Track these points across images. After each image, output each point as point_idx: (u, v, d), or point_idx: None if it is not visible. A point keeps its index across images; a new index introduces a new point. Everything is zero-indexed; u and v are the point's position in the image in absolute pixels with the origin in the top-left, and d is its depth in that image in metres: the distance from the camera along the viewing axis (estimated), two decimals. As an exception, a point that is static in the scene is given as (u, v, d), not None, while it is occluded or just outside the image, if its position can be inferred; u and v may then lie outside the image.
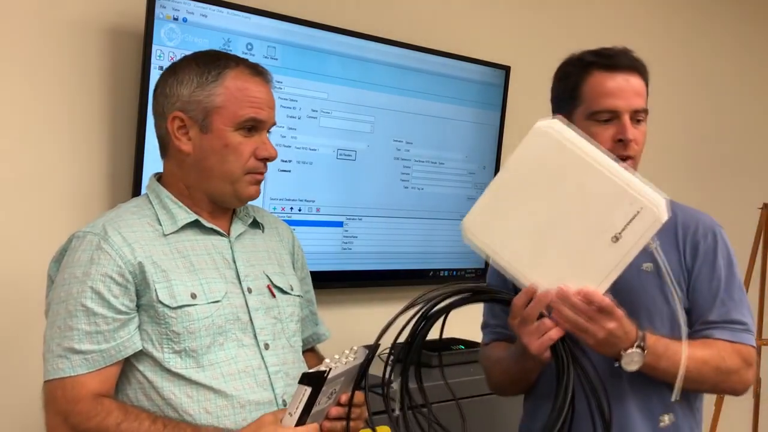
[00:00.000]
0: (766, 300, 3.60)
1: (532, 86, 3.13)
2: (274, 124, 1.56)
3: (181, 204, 1.52)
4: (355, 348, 1.40)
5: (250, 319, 1.52)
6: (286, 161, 2.42)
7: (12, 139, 2.05)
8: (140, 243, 1.45)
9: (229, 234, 1.57)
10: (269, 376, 1.50)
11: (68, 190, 2.13)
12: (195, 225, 1.52)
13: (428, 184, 2.80)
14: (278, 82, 2.37)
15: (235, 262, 1.54)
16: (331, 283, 2.56)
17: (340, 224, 2.59)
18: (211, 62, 1.51)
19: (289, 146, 2.43)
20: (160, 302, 1.43)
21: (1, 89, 2.03)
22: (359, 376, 1.44)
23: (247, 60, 1.57)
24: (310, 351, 1.75)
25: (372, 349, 1.42)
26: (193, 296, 1.45)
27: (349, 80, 2.55)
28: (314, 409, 1.34)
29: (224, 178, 1.50)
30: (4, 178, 2.04)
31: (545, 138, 1.37)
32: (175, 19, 2.16)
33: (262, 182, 1.56)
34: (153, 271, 1.44)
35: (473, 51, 2.88)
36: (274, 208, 2.40)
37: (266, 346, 1.52)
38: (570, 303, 1.39)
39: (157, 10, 2.12)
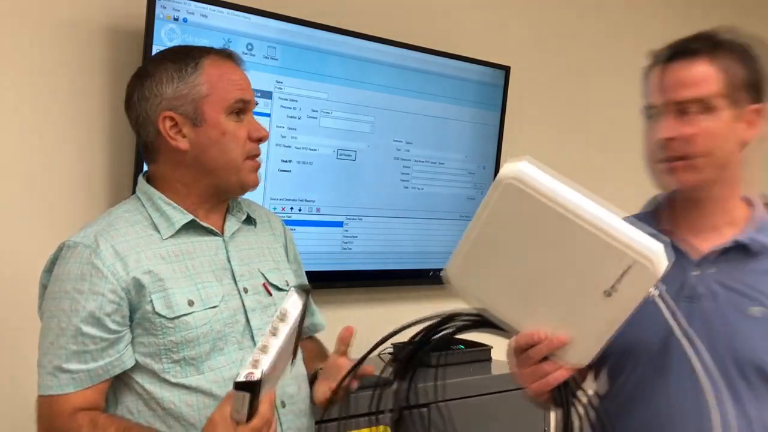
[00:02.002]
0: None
1: (532, 86, 3.15)
2: (256, 104, 1.57)
3: (175, 205, 1.49)
4: (284, 308, 1.31)
5: (247, 320, 1.50)
6: (286, 161, 2.42)
7: (12, 139, 2.05)
8: (133, 254, 1.42)
9: (222, 232, 1.54)
10: None
11: (68, 191, 2.13)
12: (190, 225, 1.50)
13: (428, 184, 2.80)
14: (278, 82, 2.38)
15: (230, 262, 1.52)
16: (331, 283, 2.56)
17: (340, 224, 2.60)
18: (185, 55, 1.50)
19: (289, 146, 2.43)
20: (157, 314, 1.40)
21: (0, 89, 2.03)
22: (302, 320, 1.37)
23: (213, 47, 1.56)
24: (308, 339, 1.74)
25: (306, 290, 1.36)
26: (191, 303, 1.43)
27: (349, 80, 2.55)
28: (271, 363, 1.27)
29: (228, 168, 1.49)
30: (4, 178, 2.04)
31: (512, 190, 1.19)
32: (176, 19, 2.17)
33: (262, 182, 1.55)
34: (149, 282, 1.41)
35: (473, 51, 2.88)
36: (275, 208, 2.40)
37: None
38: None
39: (158, 11, 2.12)
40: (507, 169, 1.19)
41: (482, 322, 1.32)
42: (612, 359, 1.43)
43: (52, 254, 1.47)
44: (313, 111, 2.48)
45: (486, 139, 2.94)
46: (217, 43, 2.20)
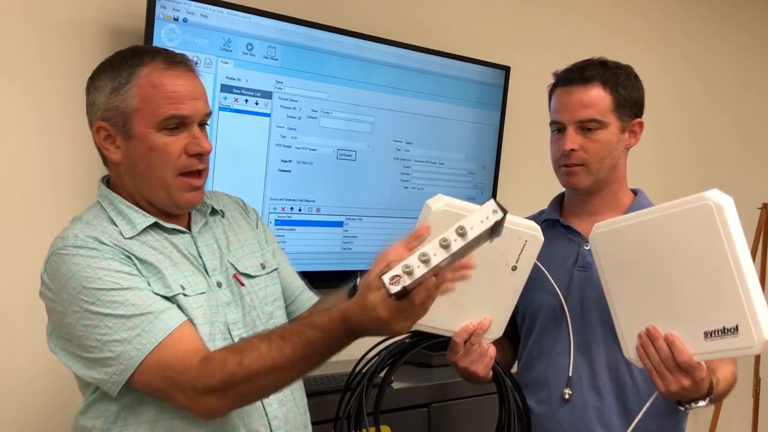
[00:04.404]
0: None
1: (532, 86, 3.13)
2: (209, 114, 1.47)
3: (136, 208, 1.45)
4: (467, 225, 1.18)
5: (225, 315, 1.46)
6: (286, 161, 2.42)
7: (11, 138, 2.06)
8: (119, 245, 1.39)
9: (189, 229, 1.50)
10: None
11: (68, 190, 2.13)
12: (156, 227, 1.45)
13: (428, 184, 2.80)
14: (278, 82, 2.38)
15: (201, 257, 1.48)
16: (331, 283, 2.55)
17: (340, 224, 2.60)
18: (124, 62, 1.44)
19: (289, 146, 2.43)
20: (155, 293, 1.36)
21: (0, 89, 2.04)
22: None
23: (165, 51, 1.47)
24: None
25: (504, 210, 1.20)
26: (183, 288, 1.40)
27: (349, 80, 2.55)
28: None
29: (156, 184, 1.43)
30: (3, 177, 2.05)
31: (444, 215, 1.53)
32: (176, 19, 2.17)
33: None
34: (142, 268, 1.38)
35: (473, 51, 2.89)
36: (275, 208, 2.40)
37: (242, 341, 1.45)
38: (657, 345, 1.48)
39: (158, 11, 2.12)
40: (432, 203, 1.54)
41: (413, 344, 1.66)
42: (526, 324, 1.83)
43: (44, 263, 1.42)
44: (313, 111, 2.48)
45: (486, 139, 2.94)
46: (217, 43, 2.21)
